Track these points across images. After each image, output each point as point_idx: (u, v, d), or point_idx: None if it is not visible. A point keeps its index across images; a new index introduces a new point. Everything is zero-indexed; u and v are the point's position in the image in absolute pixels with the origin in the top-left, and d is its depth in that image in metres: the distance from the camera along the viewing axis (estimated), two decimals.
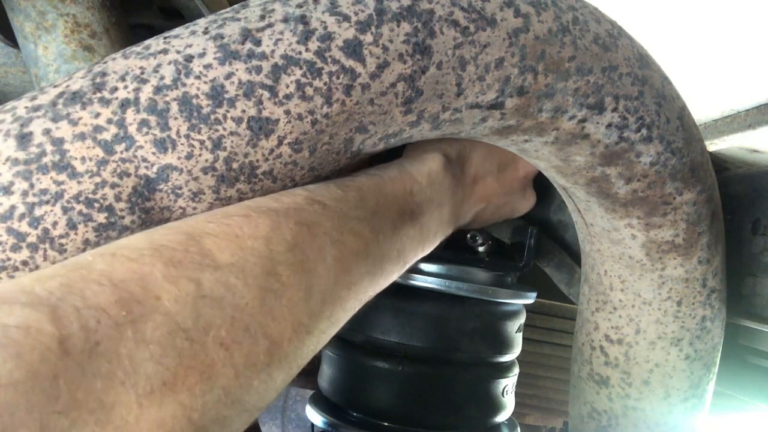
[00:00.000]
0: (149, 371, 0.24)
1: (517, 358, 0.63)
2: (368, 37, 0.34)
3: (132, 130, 0.32)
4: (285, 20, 0.33)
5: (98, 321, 0.24)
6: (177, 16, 0.60)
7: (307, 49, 0.33)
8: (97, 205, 0.32)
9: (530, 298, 0.61)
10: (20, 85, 0.66)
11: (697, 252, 0.48)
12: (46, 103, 0.32)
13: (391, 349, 0.57)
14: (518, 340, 0.62)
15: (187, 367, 0.25)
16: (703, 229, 0.47)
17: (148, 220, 0.33)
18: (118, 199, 0.32)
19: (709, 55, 0.68)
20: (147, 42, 0.34)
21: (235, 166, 0.34)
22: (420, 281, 0.57)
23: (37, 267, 0.31)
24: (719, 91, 0.72)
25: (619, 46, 0.40)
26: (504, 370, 0.60)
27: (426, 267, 0.58)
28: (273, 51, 0.33)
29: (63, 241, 0.31)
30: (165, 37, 0.34)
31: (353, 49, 0.34)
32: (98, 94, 0.32)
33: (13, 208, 0.30)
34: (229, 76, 0.32)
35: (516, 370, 0.62)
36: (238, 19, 0.34)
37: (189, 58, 0.33)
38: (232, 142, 0.33)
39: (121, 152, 0.32)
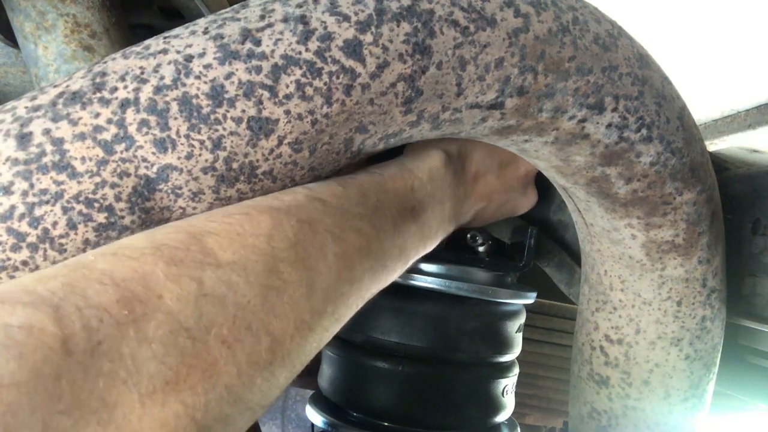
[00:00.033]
0: (152, 370, 0.24)
1: (517, 358, 0.63)
2: (368, 37, 0.34)
3: (132, 130, 0.32)
4: (285, 20, 0.33)
5: (100, 320, 0.24)
6: (177, 16, 0.60)
7: (307, 49, 0.33)
8: (97, 205, 0.32)
9: (530, 298, 0.61)
10: (20, 85, 0.66)
11: (697, 252, 0.48)
12: (46, 103, 0.32)
13: (391, 349, 0.57)
14: (518, 340, 0.62)
15: (190, 365, 0.25)
16: (703, 229, 0.47)
17: (148, 220, 0.33)
18: (118, 199, 0.32)
19: (709, 55, 0.68)
20: (147, 42, 0.34)
21: (235, 166, 0.34)
22: (420, 281, 0.57)
23: (37, 267, 0.31)
24: (719, 91, 0.72)
25: (619, 46, 0.40)
26: (504, 370, 0.60)
27: (426, 267, 0.58)
28: (273, 51, 0.33)
29: (63, 241, 0.31)
30: (165, 37, 0.34)
31: (353, 49, 0.34)
32: (98, 94, 0.32)
33: (13, 208, 0.30)
34: (229, 76, 0.32)
35: (516, 370, 0.62)
36: (238, 19, 0.34)
37: (189, 58, 0.33)
38: (232, 142, 0.33)
39: (121, 152, 0.32)
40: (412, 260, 0.43)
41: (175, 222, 0.32)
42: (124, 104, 0.32)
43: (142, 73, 0.32)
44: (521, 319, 0.62)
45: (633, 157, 0.42)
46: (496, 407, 0.59)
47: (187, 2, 0.56)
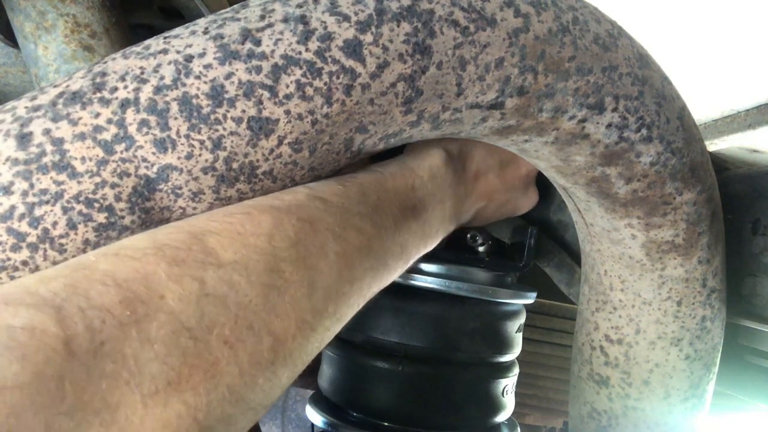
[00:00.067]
0: (154, 371, 0.24)
1: (517, 358, 0.63)
2: (368, 37, 0.34)
3: (132, 130, 0.32)
4: (285, 20, 0.33)
5: (103, 321, 0.24)
6: (177, 16, 0.60)
7: (307, 49, 0.33)
8: (97, 205, 0.32)
9: (530, 298, 0.61)
10: (20, 85, 0.66)
11: (697, 252, 0.48)
12: (46, 103, 0.32)
13: (391, 349, 0.57)
14: (518, 340, 0.62)
15: (192, 366, 0.25)
16: (703, 229, 0.47)
17: (148, 220, 0.33)
18: (118, 199, 0.32)
19: (709, 55, 0.68)
20: (147, 42, 0.34)
21: (235, 166, 0.34)
22: (420, 281, 0.57)
23: (37, 267, 0.31)
24: (719, 91, 0.72)
25: (619, 46, 0.40)
26: (504, 370, 0.60)
27: (426, 267, 0.58)
28: (273, 51, 0.33)
29: (63, 241, 0.31)
30: (165, 37, 0.34)
31: (353, 49, 0.34)
32: (98, 94, 0.32)
33: (13, 208, 0.30)
34: (229, 76, 0.32)
35: (516, 370, 0.62)
36: (238, 19, 0.34)
37: (189, 58, 0.33)
38: (232, 142, 0.33)
39: (121, 152, 0.32)
40: (413, 259, 0.43)
41: (176, 222, 0.32)
42: (124, 104, 0.32)
43: (142, 73, 0.32)
44: (521, 319, 0.62)
45: (633, 157, 0.42)
46: (496, 407, 0.59)
47: (187, 2, 0.56)
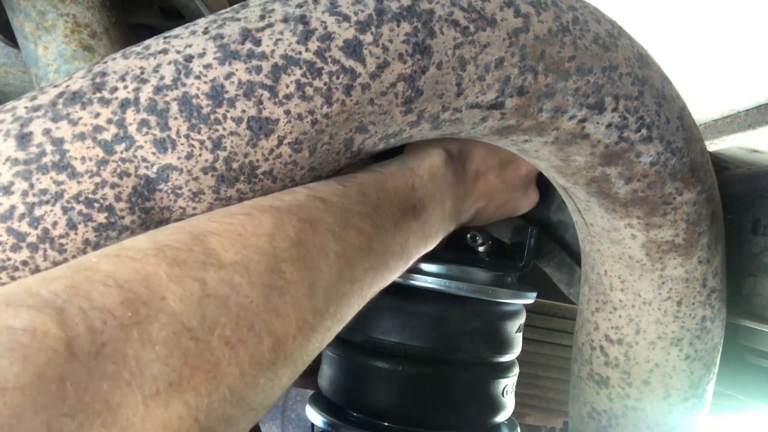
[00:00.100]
0: (155, 372, 0.24)
1: (517, 358, 0.63)
2: (368, 37, 0.34)
3: (132, 130, 0.32)
4: (285, 20, 0.33)
5: (104, 322, 0.24)
6: (177, 16, 0.60)
7: (307, 49, 0.33)
8: (97, 205, 0.32)
9: (530, 298, 0.61)
10: (20, 85, 0.66)
11: (697, 252, 0.48)
12: (46, 103, 0.32)
13: (391, 349, 0.57)
14: (518, 340, 0.62)
15: (193, 366, 0.25)
16: (703, 229, 0.47)
17: (148, 220, 0.33)
18: (118, 199, 0.32)
19: (709, 55, 0.68)
20: (147, 42, 0.34)
21: (235, 166, 0.34)
22: (420, 281, 0.57)
23: (37, 267, 0.31)
24: (719, 91, 0.72)
25: (619, 46, 0.40)
26: (504, 370, 0.60)
27: (426, 267, 0.58)
28: (273, 51, 0.33)
29: (63, 241, 0.31)
30: (165, 37, 0.34)
31: (353, 49, 0.34)
32: (98, 94, 0.32)
33: (13, 208, 0.30)
34: (229, 76, 0.32)
35: (516, 370, 0.62)
36: (238, 19, 0.34)
37: (189, 58, 0.33)
38: (232, 142, 0.33)
39: (121, 152, 0.32)
40: (413, 259, 0.43)
41: (177, 223, 0.32)
42: (124, 104, 0.32)
43: (142, 73, 0.32)
44: (521, 319, 0.62)
45: (633, 157, 0.42)
46: (496, 407, 0.59)
47: (187, 2, 0.56)
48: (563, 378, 1.06)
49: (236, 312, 0.28)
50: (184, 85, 0.32)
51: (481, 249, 0.60)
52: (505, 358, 0.60)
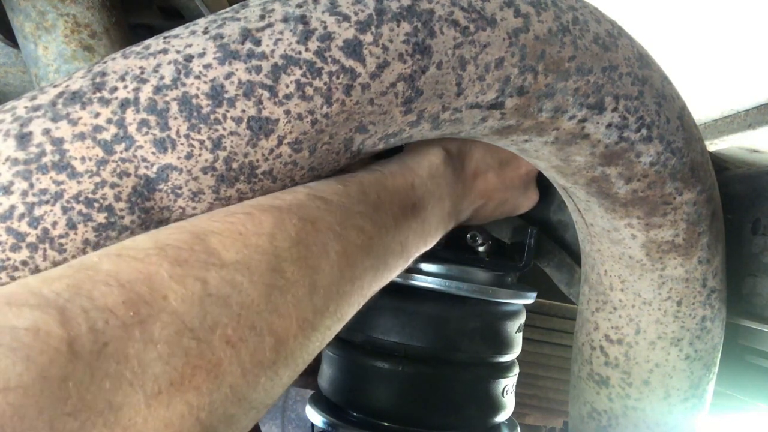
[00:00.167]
0: (157, 371, 0.24)
1: (517, 358, 0.63)
2: (368, 37, 0.34)
3: (132, 129, 0.32)
4: (285, 20, 0.33)
5: (106, 322, 0.24)
6: (177, 16, 0.60)
7: (306, 49, 0.33)
8: (96, 204, 0.32)
9: (530, 298, 0.61)
10: (20, 85, 0.66)
11: (697, 252, 0.48)
12: (46, 102, 0.32)
13: (391, 349, 0.57)
14: (518, 340, 0.62)
15: (194, 366, 0.25)
16: (703, 229, 0.47)
17: (148, 220, 0.33)
18: (117, 198, 0.32)
19: (709, 55, 0.68)
20: (147, 42, 0.34)
21: (234, 165, 0.34)
22: (420, 281, 0.57)
23: (36, 267, 0.31)
24: (719, 91, 0.72)
25: (619, 46, 0.40)
26: (504, 370, 0.60)
27: (426, 267, 0.58)
28: (273, 51, 0.33)
29: (63, 241, 0.31)
30: (165, 37, 0.34)
31: (353, 48, 0.34)
32: (98, 94, 0.32)
33: (12, 208, 0.30)
34: (228, 75, 0.32)
35: (516, 370, 0.62)
36: (238, 19, 0.34)
37: (189, 58, 0.33)
38: (231, 141, 0.33)
39: (121, 152, 0.32)
40: (413, 257, 0.43)
41: (178, 222, 0.32)
42: (124, 104, 0.32)
43: (142, 72, 0.32)
44: (521, 319, 0.62)
45: (633, 157, 0.42)
46: (496, 407, 0.59)
47: (187, 2, 0.56)
48: (563, 378, 1.06)
49: (237, 311, 0.28)
50: (183, 84, 0.32)
51: (481, 249, 0.60)
52: (505, 358, 0.60)
